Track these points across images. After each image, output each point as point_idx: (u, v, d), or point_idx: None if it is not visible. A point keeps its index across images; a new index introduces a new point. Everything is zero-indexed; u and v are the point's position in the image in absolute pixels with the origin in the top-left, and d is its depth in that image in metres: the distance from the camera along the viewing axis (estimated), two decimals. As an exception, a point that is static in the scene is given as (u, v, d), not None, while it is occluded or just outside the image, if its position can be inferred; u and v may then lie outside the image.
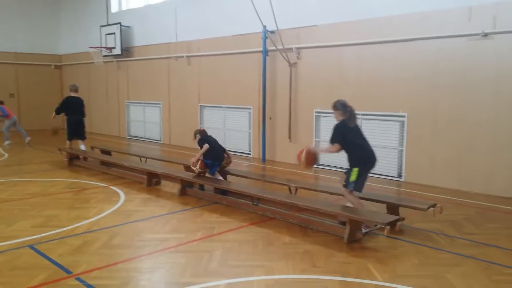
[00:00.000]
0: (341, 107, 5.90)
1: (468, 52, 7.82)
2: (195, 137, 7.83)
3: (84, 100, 11.12)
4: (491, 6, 7.49)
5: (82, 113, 10.95)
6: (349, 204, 5.78)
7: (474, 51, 7.75)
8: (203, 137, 7.77)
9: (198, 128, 8.42)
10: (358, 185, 5.67)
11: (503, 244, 5.24)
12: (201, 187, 7.73)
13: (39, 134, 17.24)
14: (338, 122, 5.88)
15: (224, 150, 7.93)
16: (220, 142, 8.00)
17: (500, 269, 4.53)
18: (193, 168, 7.52)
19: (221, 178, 7.78)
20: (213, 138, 7.91)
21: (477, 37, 7.66)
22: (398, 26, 8.67)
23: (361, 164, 5.68)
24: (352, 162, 5.72)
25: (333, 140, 5.76)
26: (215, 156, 7.62)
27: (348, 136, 5.71)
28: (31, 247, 5.08)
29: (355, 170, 5.64)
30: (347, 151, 5.75)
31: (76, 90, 10.94)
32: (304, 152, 5.88)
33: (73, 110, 10.84)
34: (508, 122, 7.46)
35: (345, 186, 5.76)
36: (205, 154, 7.51)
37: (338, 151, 5.76)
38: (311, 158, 5.91)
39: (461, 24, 7.85)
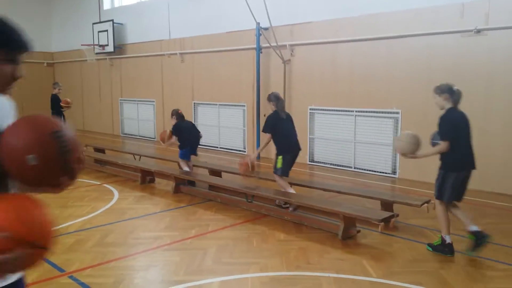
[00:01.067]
0: (274, 98, 6.38)
1: (461, 48, 7.84)
2: (171, 117, 8.23)
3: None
4: (484, 2, 7.51)
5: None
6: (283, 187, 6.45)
7: (467, 48, 7.77)
8: (179, 124, 8.10)
9: (176, 109, 8.65)
10: (285, 170, 6.30)
11: (496, 240, 5.25)
12: (191, 183, 7.79)
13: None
14: (271, 112, 6.39)
15: (200, 136, 8.32)
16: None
17: (494, 265, 4.55)
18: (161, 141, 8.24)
19: (188, 169, 8.07)
20: (190, 124, 8.37)
21: (470, 33, 7.68)
22: (391, 23, 8.67)
23: (285, 152, 6.30)
24: (279, 150, 6.33)
25: (265, 130, 6.36)
26: (191, 143, 8.09)
27: (279, 126, 6.26)
28: (24, 246, 5.03)
29: (280, 157, 6.28)
30: (275, 140, 6.33)
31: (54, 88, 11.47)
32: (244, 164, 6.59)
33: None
34: (500, 117, 7.50)
35: (274, 172, 6.42)
36: (180, 143, 7.96)
37: (269, 140, 6.35)
38: (245, 167, 6.58)
39: (454, 20, 7.86)
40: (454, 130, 4.90)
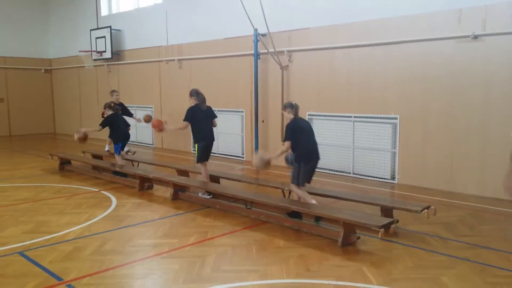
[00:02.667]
0: (195, 94, 7.46)
1: (458, 54, 7.85)
2: (104, 108, 9.29)
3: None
4: (481, 8, 7.53)
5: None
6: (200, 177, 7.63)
7: (464, 53, 7.79)
8: (112, 117, 9.08)
9: (109, 102, 9.58)
10: (202, 157, 7.44)
11: (497, 246, 5.25)
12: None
13: (30, 138, 17.09)
14: (192, 105, 7.37)
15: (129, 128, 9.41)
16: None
17: (495, 271, 4.52)
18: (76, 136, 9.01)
19: (123, 163, 9.15)
20: (122, 118, 9.35)
21: (467, 39, 7.69)
22: (388, 29, 8.69)
23: (200, 140, 7.35)
24: (195, 139, 7.50)
25: (185, 119, 7.29)
26: (123, 137, 9.17)
27: (196, 118, 7.27)
28: (21, 254, 5.00)
29: (197, 146, 7.43)
30: (192, 130, 7.37)
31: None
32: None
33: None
34: (498, 123, 7.50)
35: (197, 161, 7.53)
36: (111, 136, 9.14)
37: (185, 127, 7.39)
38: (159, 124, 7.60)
39: (451, 26, 7.88)
40: (296, 133, 5.97)
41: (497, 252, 5.05)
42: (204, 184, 7.32)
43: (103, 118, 9.29)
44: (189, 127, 7.42)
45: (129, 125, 9.49)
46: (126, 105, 11.28)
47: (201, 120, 7.35)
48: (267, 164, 6.08)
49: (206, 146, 7.50)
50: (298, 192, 6.11)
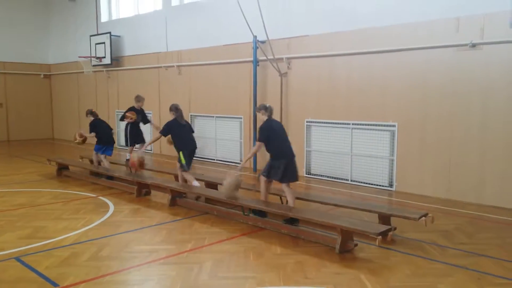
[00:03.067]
0: (174, 109, 8.04)
1: (456, 62, 7.89)
2: (86, 115, 9.94)
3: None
4: (479, 17, 7.57)
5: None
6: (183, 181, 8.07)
7: (462, 62, 7.82)
8: (95, 121, 9.79)
9: (90, 108, 10.23)
10: (187, 164, 7.88)
11: (494, 254, 5.24)
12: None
13: (28, 144, 17.07)
14: (171, 119, 7.97)
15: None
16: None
17: (492, 279, 4.51)
18: (75, 140, 9.72)
19: (106, 165, 9.73)
20: (105, 123, 10.03)
21: (465, 47, 7.73)
22: (387, 37, 8.73)
23: (183, 148, 7.91)
24: (178, 147, 7.94)
25: (162, 132, 7.98)
26: (106, 141, 9.74)
27: (177, 131, 7.90)
28: (18, 259, 4.98)
29: (181, 154, 7.86)
30: (173, 141, 7.96)
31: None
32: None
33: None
34: (497, 131, 7.52)
35: (180, 166, 7.94)
36: (97, 140, 9.70)
37: (159, 137, 8.20)
38: (139, 164, 8.36)
39: (450, 34, 7.92)
40: (269, 134, 6.41)
41: (494, 260, 5.04)
42: (192, 188, 7.68)
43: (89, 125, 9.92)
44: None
45: (111, 129, 10.11)
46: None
47: (181, 131, 7.96)
48: (237, 187, 6.66)
49: (190, 153, 8.02)
50: (261, 184, 6.66)
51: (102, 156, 9.83)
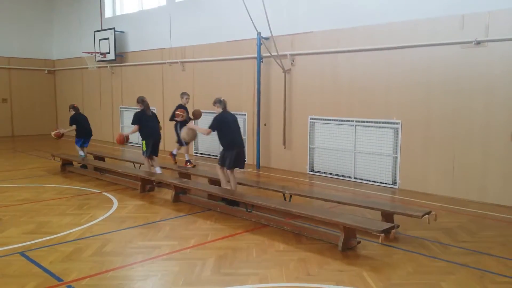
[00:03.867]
0: (140, 101, 8.85)
1: (461, 59, 7.86)
2: (69, 110, 10.69)
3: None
4: (484, 14, 7.54)
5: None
6: (146, 168, 8.81)
7: (466, 59, 7.79)
8: (75, 115, 10.56)
9: (73, 103, 10.88)
10: (148, 152, 8.67)
11: (497, 252, 5.24)
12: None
13: (32, 139, 17.14)
14: (138, 110, 8.82)
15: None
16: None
17: (494, 277, 4.51)
18: (53, 134, 10.43)
19: (82, 154, 10.53)
20: (84, 116, 10.75)
21: (470, 44, 7.70)
22: (391, 34, 8.70)
23: (147, 138, 8.72)
24: (143, 137, 8.79)
25: (133, 123, 8.74)
26: (85, 134, 10.57)
27: (144, 120, 8.69)
28: (22, 254, 5.01)
29: (143, 142, 8.76)
30: (141, 131, 8.75)
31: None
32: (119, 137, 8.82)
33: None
34: (500, 129, 7.50)
35: (143, 154, 8.82)
36: (76, 133, 10.54)
37: (136, 131, 8.77)
38: (121, 140, 8.75)
39: (454, 32, 7.89)
40: (220, 124, 7.20)
41: (496, 259, 5.04)
42: (149, 174, 8.54)
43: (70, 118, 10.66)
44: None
45: (88, 124, 10.81)
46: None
47: (148, 121, 8.81)
48: (194, 135, 8.02)
49: (154, 143, 8.83)
50: (218, 172, 7.45)
51: (79, 148, 10.62)
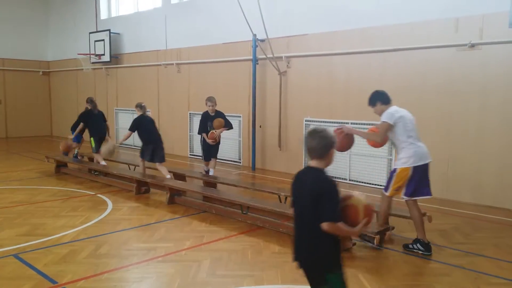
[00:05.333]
0: (89, 101, 10.01)
1: (455, 62, 7.91)
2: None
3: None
4: (478, 17, 7.59)
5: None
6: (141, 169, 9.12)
7: (461, 62, 7.84)
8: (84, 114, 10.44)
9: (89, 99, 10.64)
10: (97, 148, 9.64)
11: (491, 254, 5.27)
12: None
13: (27, 141, 17.06)
14: (84, 111, 10.07)
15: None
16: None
17: (488, 279, 4.54)
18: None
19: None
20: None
21: (464, 47, 7.75)
22: (386, 36, 8.74)
23: (94, 135, 9.72)
24: (90, 134, 9.79)
25: (78, 121, 10.05)
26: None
27: (90, 120, 9.85)
28: (16, 256, 4.99)
29: (92, 139, 9.72)
30: (88, 128, 9.89)
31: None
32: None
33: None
34: (494, 131, 7.54)
35: (92, 151, 9.80)
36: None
37: (82, 127, 10.08)
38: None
39: (448, 34, 7.94)
40: (138, 125, 8.58)
41: (491, 260, 5.07)
42: (100, 166, 9.53)
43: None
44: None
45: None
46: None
47: (94, 120, 9.82)
48: (113, 152, 9.64)
49: (100, 139, 9.76)
50: (140, 164, 8.92)
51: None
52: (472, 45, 7.66)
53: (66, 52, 18.17)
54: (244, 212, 6.58)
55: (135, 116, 8.84)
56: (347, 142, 5.41)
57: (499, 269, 4.82)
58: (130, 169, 9.77)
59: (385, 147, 8.89)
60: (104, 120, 10.16)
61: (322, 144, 2.83)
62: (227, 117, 8.98)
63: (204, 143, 8.94)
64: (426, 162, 5.15)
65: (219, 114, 8.86)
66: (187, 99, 13.17)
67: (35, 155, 12.93)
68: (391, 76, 8.74)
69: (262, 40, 10.62)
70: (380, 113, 5.34)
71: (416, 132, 5.28)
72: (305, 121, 10.20)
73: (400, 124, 5.14)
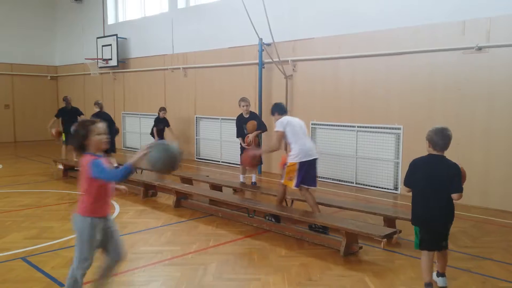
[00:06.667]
0: (65, 99, 11.57)
1: (462, 65, 7.88)
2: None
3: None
4: (485, 20, 7.56)
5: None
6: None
7: (468, 65, 7.81)
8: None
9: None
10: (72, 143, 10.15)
11: (499, 257, 5.23)
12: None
13: (35, 145, 17.18)
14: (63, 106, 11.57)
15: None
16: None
17: (496, 283, 4.50)
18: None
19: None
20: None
21: (471, 50, 7.72)
22: (392, 39, 8.73)
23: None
24: (66, 131, 11.11)
25: (56, 115, 11.47)
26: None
27: (62, 115, 11.41)
28: (24, 259, 5.02)
29: (63, 134, 11.19)
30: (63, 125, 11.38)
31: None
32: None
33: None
34: (502, 134, 7.50)
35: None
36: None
37: (54, 121, 11.60)
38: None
39: (455, 37, 7.92)
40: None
41: (499, 264, 5.03)
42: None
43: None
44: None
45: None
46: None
47: (67, 117, 11.08)
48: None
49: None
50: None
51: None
52: (479, 48, 7.63)
53: (73, 57, 18.31)
54: (250, 215, 6.58)
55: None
56: (249, 161, 6.91)
57: (507, 272, 4.78)
58: (137, 173, 9.81)
59: (392, 150, 8.88)
60: (78, 114, 11.65)
61: None
62: (232, 120, 8.84)
63: (241, 147, 8.76)
64: (311, 158, 6.10)
65: (253, 116, 8.80)
66: (194, 103, 13.22)
67: (43, 159, 13.02)
68: (397, 79, 8.73)
69: (268, 44, 10.64)
70: (275, 121, 6.39)
71: (304, 134, 6.29)
72: (311, 124, 10.20)
73: (288, 129, 6.12)
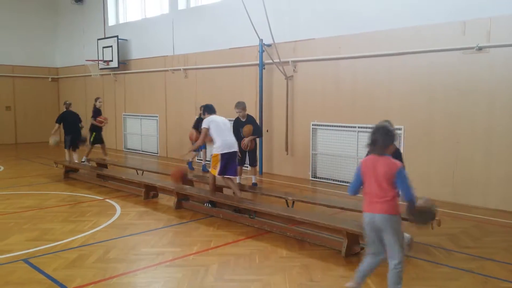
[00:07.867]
0: (65, 103, 11.74)
1: (462, 65, 7.88)
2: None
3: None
4: (485, 20, 7.56)
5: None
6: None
7: (468, 65, 7.81)
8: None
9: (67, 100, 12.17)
10: (67, 143, 11.45)
11: (500, 258, 5.22)
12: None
13: (36, 146, 17.19)
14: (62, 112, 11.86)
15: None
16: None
17: (498, 283, 4.50)
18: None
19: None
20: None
21: (472, 50, 7.72)
22: (393, 40, 8.73)
23: (69, 134, 11.47)
24: (66, 133, 11.57)
25: (56, 121, 11.49)
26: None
27: (64, 119, 11.43)
28: (26, 261, 5.03)
29: (65, 137, 11.62)
30: (64, 126, 11.51)
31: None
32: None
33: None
34: (502, 134, 7.49)
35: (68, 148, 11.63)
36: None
37: (57, 128, 11.54)
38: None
39: (456, 38, 7.92)
40: (61, 118, 11.33)
41: (500, 264, 5.02)
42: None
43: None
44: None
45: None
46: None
47: (68, 120, 11.38)
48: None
49: (72, 138, 11.37)
50: (66, 154, 11.47)
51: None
52: (480, 48, 7.63)
53: (74, 58, 18.34)
54: (251, 216, 6.59)
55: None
56: (178, 176, 7.56)
57: (509, 273, 4.77)
58: (138, 174, 9.82)
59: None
60: (80, 121, 11.93)
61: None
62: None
63: (240, 149, 8.28)
64: (231, 151, 7.06)
65: (250, 120, 8.89)
66: (194, 104, 13.22)
67: (44, 161, 13.03)
68: (398, 79, 8.73)
69: (269, 45, 10.65)
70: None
71: (228, 130, 7.23)
72: (312, 125, 10.20)
73: (212, 126, 7.08)
